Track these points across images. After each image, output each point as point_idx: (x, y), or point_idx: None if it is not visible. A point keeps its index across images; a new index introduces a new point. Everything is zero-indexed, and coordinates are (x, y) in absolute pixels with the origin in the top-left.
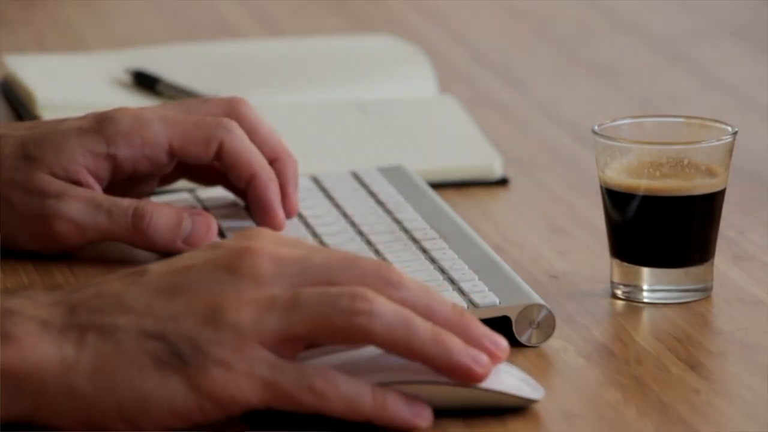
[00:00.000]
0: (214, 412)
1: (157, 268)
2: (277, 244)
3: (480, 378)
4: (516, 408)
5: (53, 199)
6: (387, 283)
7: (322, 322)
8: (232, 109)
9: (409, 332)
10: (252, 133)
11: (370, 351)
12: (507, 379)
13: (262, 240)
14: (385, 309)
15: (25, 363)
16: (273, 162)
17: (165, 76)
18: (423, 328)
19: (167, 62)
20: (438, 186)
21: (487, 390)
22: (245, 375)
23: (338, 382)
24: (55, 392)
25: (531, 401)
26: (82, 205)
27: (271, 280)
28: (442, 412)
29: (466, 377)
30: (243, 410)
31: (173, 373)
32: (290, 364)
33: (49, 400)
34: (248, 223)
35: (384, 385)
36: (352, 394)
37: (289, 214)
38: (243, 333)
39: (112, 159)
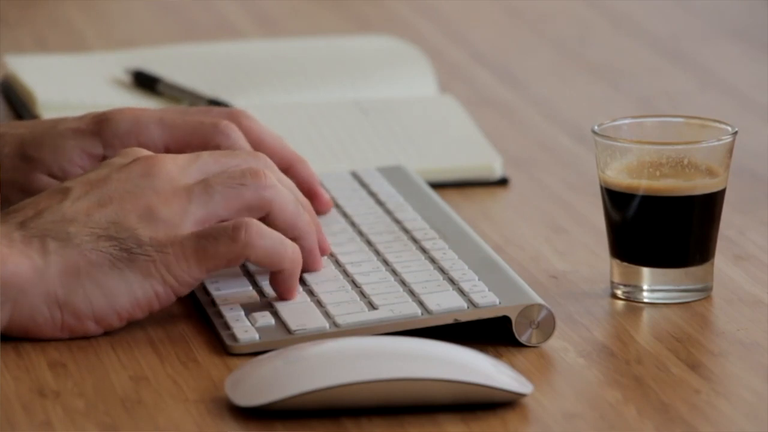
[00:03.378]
0: (167, 295)
1: (77, 185)
2: (164, 154)
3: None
4: (508, 402)
5: None
6: (264, 165)
7: (236, 200)
8: (233, 122)
9: (297, 208)
10: (258, 145)
11: (377, 346)
12: (498, 376)
13: (148, 151)
14: (278, 183)
15: (5, 272)
16: (287, 170)
17: (165, 76)
18: (303, 212)
19: (167, 62)
20: (438, 186)
21: (480, 385)
22: (183, 255)
23: (262, 231)
24: (32, 298)
25: (521, 395)
26: None
27: (179, 176)
28: (441, 410)
29: (317, 253)
30: (194, 285)
31: (128, 267)
32: (211, 228)
33: (27, 307)
34: None
35: (386, 381)
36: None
37: (326, 207)
38: (174, 222)
39: None
